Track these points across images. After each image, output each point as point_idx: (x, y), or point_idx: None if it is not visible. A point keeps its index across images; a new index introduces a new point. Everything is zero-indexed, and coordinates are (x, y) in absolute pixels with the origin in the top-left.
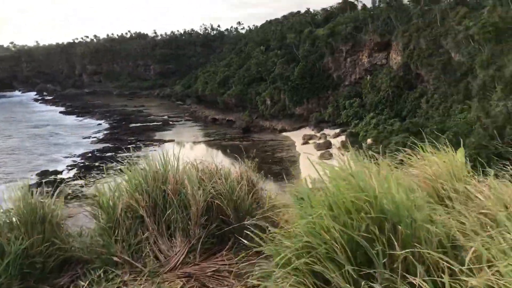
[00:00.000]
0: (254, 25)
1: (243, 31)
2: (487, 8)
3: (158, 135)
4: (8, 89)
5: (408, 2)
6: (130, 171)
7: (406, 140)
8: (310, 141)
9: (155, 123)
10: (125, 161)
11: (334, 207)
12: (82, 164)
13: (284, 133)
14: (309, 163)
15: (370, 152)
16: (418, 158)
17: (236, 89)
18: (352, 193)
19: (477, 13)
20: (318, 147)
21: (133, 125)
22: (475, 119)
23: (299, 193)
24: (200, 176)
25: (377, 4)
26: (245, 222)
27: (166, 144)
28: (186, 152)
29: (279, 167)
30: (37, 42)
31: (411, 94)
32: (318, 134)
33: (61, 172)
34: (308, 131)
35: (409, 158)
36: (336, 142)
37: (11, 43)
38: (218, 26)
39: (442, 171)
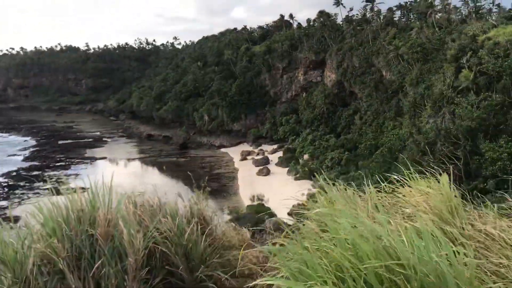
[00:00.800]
0: (190, 41)
1: (180, 46)
2: (415, 29)
3: (89, 152)
4: None
5: (341, 22)
6: (44, 209)
7: (342, 155)
8: (248, 157)
9: (86, 140)
10: (53, 180)
11: (349, 281)
12: (5, 184)
13: (222, 149)
14: (248, 180)
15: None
16: (399, 187)
17: (172, 104)
18: (376, 258)
19: (406, 34)
20: (256, 163)
21: (63, 142)
22: (407, 135)
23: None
24: (139, 214)
25: (311, 23)
26: (199, 274)
27: (98, 161)
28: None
29: (218, 183)
30: None
31: (345, 111)
32: (256, 150)
33: None
34: (246, 147)
35: (393, 188)
36: (274, 158)
37: None
38: (154, 40)
39: (440, 206)
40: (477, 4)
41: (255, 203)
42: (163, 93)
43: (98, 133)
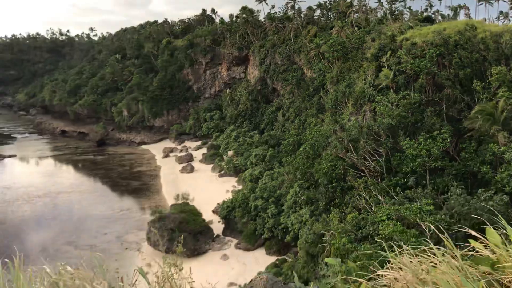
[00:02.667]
0: (108, 32)
1: (96, 38)
2: (336, 28)
3: None
4: None
5: (263, 19)
6: None
7: (266, 152)
8: (171, 154)
9: None
10: None
11: None
12: None
13: (143, 146)
14: (171, 178)
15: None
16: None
17: (88, 98)
18: None
19: (326, 33)
20: (180, 160)
21: None
22: (330, 132)
23: None
24: None
25: (234, 19)
26: None
27: (6, 160)
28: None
29: (139, 182)
30: None
31: (268, 107)
32: (179, 147)
33: None
34: (169, 143)
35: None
36: (197, 154)
37: None
38: (68, 31)
39: None
40: (392, 6)
41: (180, 202)
42: (78, 86)
43: (5, 129)
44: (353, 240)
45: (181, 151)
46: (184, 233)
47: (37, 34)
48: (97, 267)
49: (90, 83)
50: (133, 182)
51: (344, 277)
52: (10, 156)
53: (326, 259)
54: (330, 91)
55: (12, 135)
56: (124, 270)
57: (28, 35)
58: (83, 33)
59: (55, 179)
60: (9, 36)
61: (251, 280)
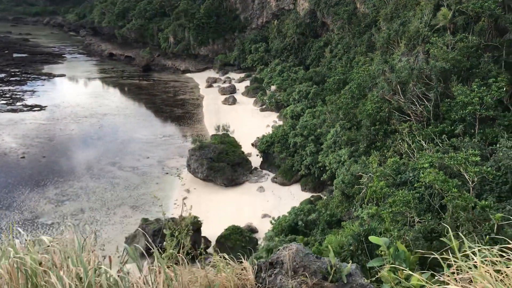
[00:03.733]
0: None
1: None
2: None
3: (47, 68)
4: None
5: None
6: None
7: (310, 89)
8: (214, 84)
9: (44, 55)
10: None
11: None
12: None
13: (187, 74)
14: (213, 108)
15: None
16: None
17: (136, 22)
18: None
19: None
20: (223, 91)
21: (18, 55)
22: (379, 73)
23: None
24: None
25: None
26: None
27: (56, 79)
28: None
29: (182, 110)
30: None
31: (315, 42)
32: (223, 78)
33: None
34: (212, 73)
35: None
36: (240, 86)
37: None
38: None
39: None
40: None
41: (220, 133)
42: (126, 10)
43: (56, 48)
44: (391, 184)
45: (224, 82)
46: (222, 163)
47: None
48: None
49: (138, 7)
50: (176, 110)
51: (392, 265)
52: (59, 76)
53: (370, 238)
54: (382, 29)
55: (62, 55)
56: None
57: None
58: None
59: (101, 100)
60: None
61: (278, 250)
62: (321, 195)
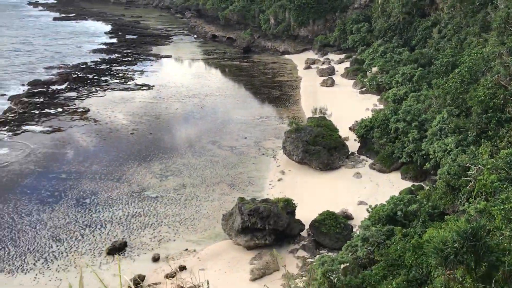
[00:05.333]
0: None
1: None
2: None
3: (155, 49)
4: None
5: None
6: None
7: (414, 71)
8: (313, 66)
9: (152, 37)
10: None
11: None
12: (75, 76)
13: (286, 56)
14: (311, 90)
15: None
16: None
17: (238, 4)
18: None
19: None
20: (321, 72)
21: (130, 36)
22: (494, 55)
23: None
24: None
25: None
26: None
27: (163, 59)
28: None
29: (279, 92)
30: None
31: (423, 22)
32: (322, 59)
33: (53, 83)
34: (311, 54)
35: None
36: (339, 68)
37: None
38: None
39: None
40: None
41: (317, 115)
42: None
43: (163, 30)
44: (503, 178)
45: (323, 63)
46: (318, 146)
47: None
48: None
49: None
50: (274, 91)
51: None
52: (166, 57)
53: None
54: (500, 7)
55: (169, 37)
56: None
57: None
58: None
59: (203, 81)
60: None
61: None
62: (423, 185)
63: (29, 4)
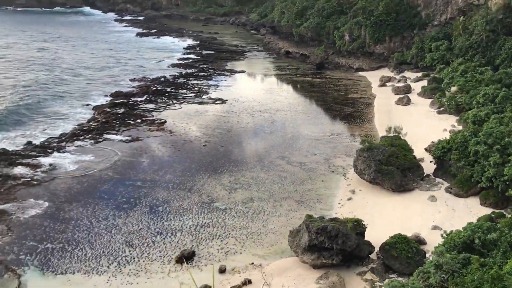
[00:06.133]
0: None
1: None
2: None
3: (229, 65)
4: (89, 6)
5: None
6: None
7: (498, 92)
8: (388, 84)
9: (227, 52)
10: (196, 89)
11: None
12: (154, 89)
13: (360, 73)
14: (385, 108)
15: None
16: None
17: (313, 21)
18: None
19: None
20: (396, 90)
21: (206, 52)
22: None
23: None
24: None
25: None
26: None
27: (237, 75)
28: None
29: (352, 109)
30: None
31: (508, 40)
32: (398, 77)
33: (134, 95)
34: (387, 72)
35: None
36: (416, 86)
37: None
38: None
39: None
40: None
41: (391, 134)
42: (305, 8)
43: (238, 46)
44: None
45: (399, 81)
46: (391, 167)
47: None
48: None
49: (316, 6)
50: (346, 108)
51: None
52: (240, 72)
53: None
54: None
55: (243, 52)
56: (329, 191)
57: None
58: None
59: (275, 96)
60: None
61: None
62: (504, 213)
63: (115, 20)
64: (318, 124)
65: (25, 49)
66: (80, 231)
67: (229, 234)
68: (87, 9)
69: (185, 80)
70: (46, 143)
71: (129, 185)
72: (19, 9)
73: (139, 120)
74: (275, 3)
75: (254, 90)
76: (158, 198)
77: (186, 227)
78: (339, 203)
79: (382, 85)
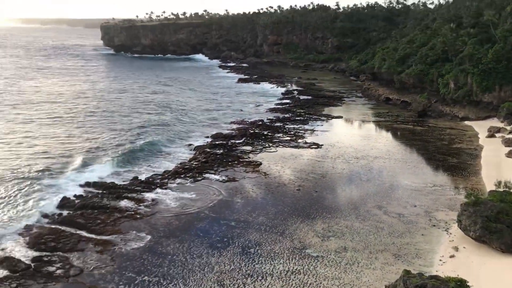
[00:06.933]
0: (445, 0)
1: (432, 6)
2: None
3: (326, 110)
4: (197, 54)
5: None
6: None
7: None
8: (497, 135)
9: (325, 98)
10: (292, 133)
11: None
12: (252, 131)
13: (466, 122)
14: (494, 161)
15: None
16: None
17: (416, 68)
18: None
19: None
20: (507, 142)
21: (304, 97)
22: None
23: None
24: None
25: None
26: None
27: (333, 120)
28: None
29: (456, 160)
30: (226, 11)
31: None
32: (509, 128)
33: (232, 137)
34: (496, 122)
35: None
36: None
37: (205, 11)
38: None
39: None
40: None
41: (501, 189)
42: (407, 55)
43: (337, 92)
44: None
45: (510, 132)
46: (501, 224)
47: (376, 3)
48: None
49: (419, 53)
50: (450, 159)
51: None
52: (337, 117)
53: None
54: None
55: (341, 98)
56: (429, 246)
57: (367, 5)
58: (419, 1)
59: (373, 143)
60: (351, 5)
61: None
62: None
63: (219, 67)
64: (419, 174)
65: (139, 92)
66: (175, 266)
67: (321, 283)
68: (197, 56)
69: (281, 124)
70: (150, 179)
71: (224, 224)
72: (136, 55)
73: (236, 161)
74: (376, 50)
75: (351, 136)
76: (250, 240)
77: (277, 272)
78: (440, 260)
79: (491, 136)
